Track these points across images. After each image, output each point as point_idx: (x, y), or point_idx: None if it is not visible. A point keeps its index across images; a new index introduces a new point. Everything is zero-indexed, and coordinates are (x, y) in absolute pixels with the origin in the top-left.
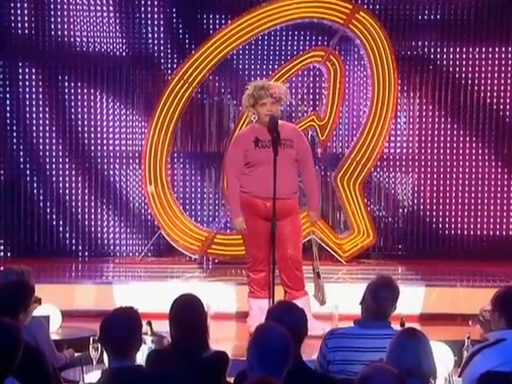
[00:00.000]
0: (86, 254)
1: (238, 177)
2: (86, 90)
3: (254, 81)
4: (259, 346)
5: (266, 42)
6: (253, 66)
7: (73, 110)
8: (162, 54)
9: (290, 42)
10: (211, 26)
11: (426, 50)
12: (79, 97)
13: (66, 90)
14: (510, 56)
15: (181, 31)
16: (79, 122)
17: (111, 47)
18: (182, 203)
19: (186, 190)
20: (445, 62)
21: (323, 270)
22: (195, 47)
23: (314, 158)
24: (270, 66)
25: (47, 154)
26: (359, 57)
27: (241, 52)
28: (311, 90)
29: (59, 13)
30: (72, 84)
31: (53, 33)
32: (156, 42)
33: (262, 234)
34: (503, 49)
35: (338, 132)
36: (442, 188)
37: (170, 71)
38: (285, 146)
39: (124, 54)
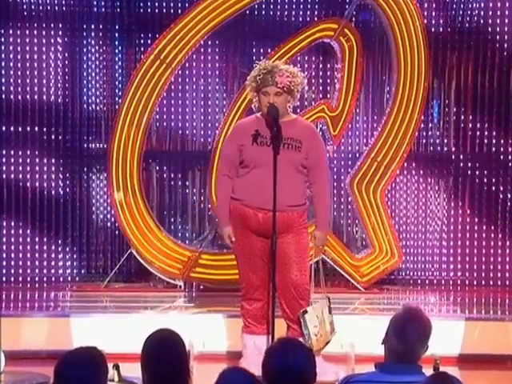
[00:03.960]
0: (37, 278)
1: (232, 178)
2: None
3: (264, 60)
4: None
5: (263, 12)
6: (248, 43)
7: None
8: (132, 27)
9: (294, 12)
10: None
11: (465, 21)
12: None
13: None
14: None
15: None
16: (36, 114)
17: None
18: (158, 215)
19: (164, 197)
20: (490, 37)
21: (337, 299)
22: (175, 18)
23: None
24: (270, 42)
25: None
26: (381, 30)
27: (232, 25)
28: (321, 73)
29: None
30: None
31: None
32: (125, 11)
33: (257, 253)
34: None
35: (354, 125)
36: (484, 195)
37: (143, 48)
38: (289, 148)
39: (83, 23)
